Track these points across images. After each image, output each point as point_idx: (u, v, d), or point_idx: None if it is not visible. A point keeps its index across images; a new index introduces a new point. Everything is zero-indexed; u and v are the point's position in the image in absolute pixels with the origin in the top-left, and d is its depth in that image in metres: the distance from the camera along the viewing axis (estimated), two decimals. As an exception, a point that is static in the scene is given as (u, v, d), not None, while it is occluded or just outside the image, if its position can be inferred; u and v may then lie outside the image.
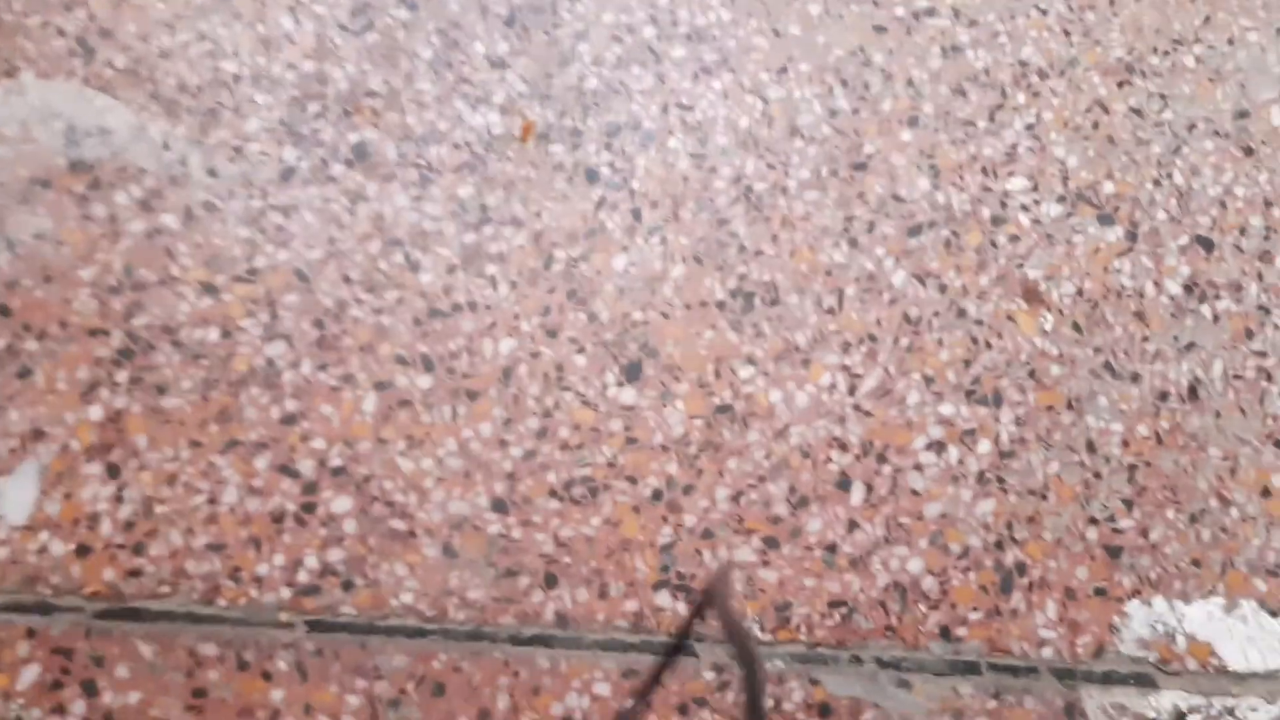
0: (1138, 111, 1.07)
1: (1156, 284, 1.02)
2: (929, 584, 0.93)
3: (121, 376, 0.95)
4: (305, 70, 1.04)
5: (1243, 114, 1.08)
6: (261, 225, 0.99)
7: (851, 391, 0.98)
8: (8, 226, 0.98)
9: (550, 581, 0.92)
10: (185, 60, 1.03)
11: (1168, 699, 0.92)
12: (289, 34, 1.05)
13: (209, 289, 0.97)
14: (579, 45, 1.06)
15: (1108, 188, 1.05)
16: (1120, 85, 1.08)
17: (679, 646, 0.60)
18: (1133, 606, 0.94)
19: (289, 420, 0.95)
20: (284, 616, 0.91)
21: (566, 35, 1.07)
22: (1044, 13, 1.10)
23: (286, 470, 0.93)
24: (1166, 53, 1.10)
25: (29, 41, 1.03)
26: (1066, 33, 1.10)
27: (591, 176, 1.02)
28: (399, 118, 1.03)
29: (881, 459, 0.96)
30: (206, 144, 1.01)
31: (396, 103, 1.03)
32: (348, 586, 0.91)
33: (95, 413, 0.94)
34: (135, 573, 0.91)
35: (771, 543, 0.94)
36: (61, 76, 1.02)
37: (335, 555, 0.92)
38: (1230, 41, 1.10)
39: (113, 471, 0.93)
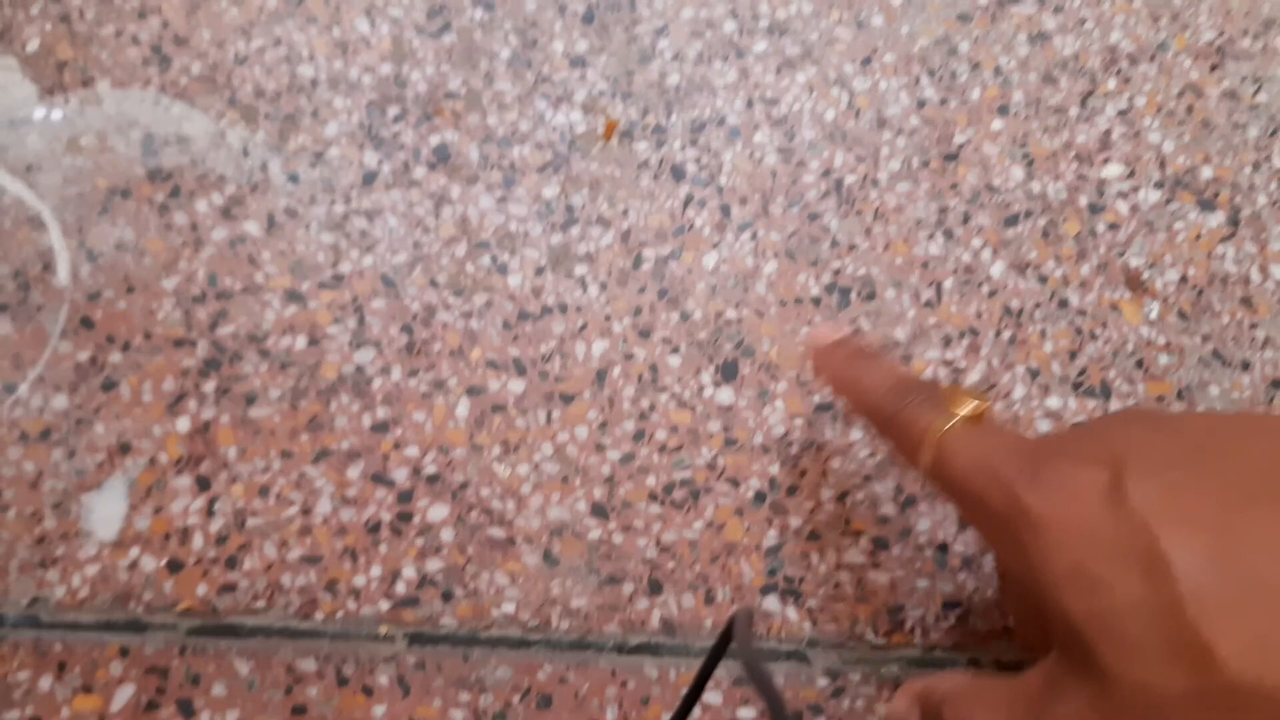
0: (1232, 95, 1.05)
1: (1262, 270, 0.99)
2: (1045, 582, 0.90)
3: (209, 387, 0.93)
4: (383, 73, 1.02)
5: (1338, 95, 1.05)
6: (345, 230, 0.97)
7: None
8: (88, 238, 0.96)
9: (654, 588, 0.89)
10: (261, 66, 1.01)
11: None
12: (365, 37, 1.03)
13: (294, 296, 0.95)
14: (659, 42, 1.04)
15: (1206, 173, 1.02)
16: (1212, 69, 1.06)
17: (698, 692, 0.60)
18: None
19: (381, 428, 0.92)
20: (383, 629, 0.88)
21: (646, 32, 1.04)
22: (1129, -2, 1.08)
23: (380, 479, 0.91)
24: (1257, 35, 1.07)
25: (103, 51, 1.01)
26: (1154, 17, 1.07)
27: (678, 174, 1.00)
28: (480, 119, 1.01)
29: (989, 455, 0.93)
30: (286, 150, 0.99)
31: (477, 104, 1.01)
32: (447, 597, 0.89)
33: (183, 424, 0.92)
34: (229, 588, 0.88)
35: (881, 543, 0.91)
36: (138, 85, 1.00)
37: (433, 565, 0.89)
38: (1321, 22, 1.08)
39: (203, 484, 0.90)
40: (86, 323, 0.94)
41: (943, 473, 0.60)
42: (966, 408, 0.61)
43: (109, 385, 0.93)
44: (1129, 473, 0.48)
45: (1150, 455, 0.49)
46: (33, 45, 1.01)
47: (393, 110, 1.01)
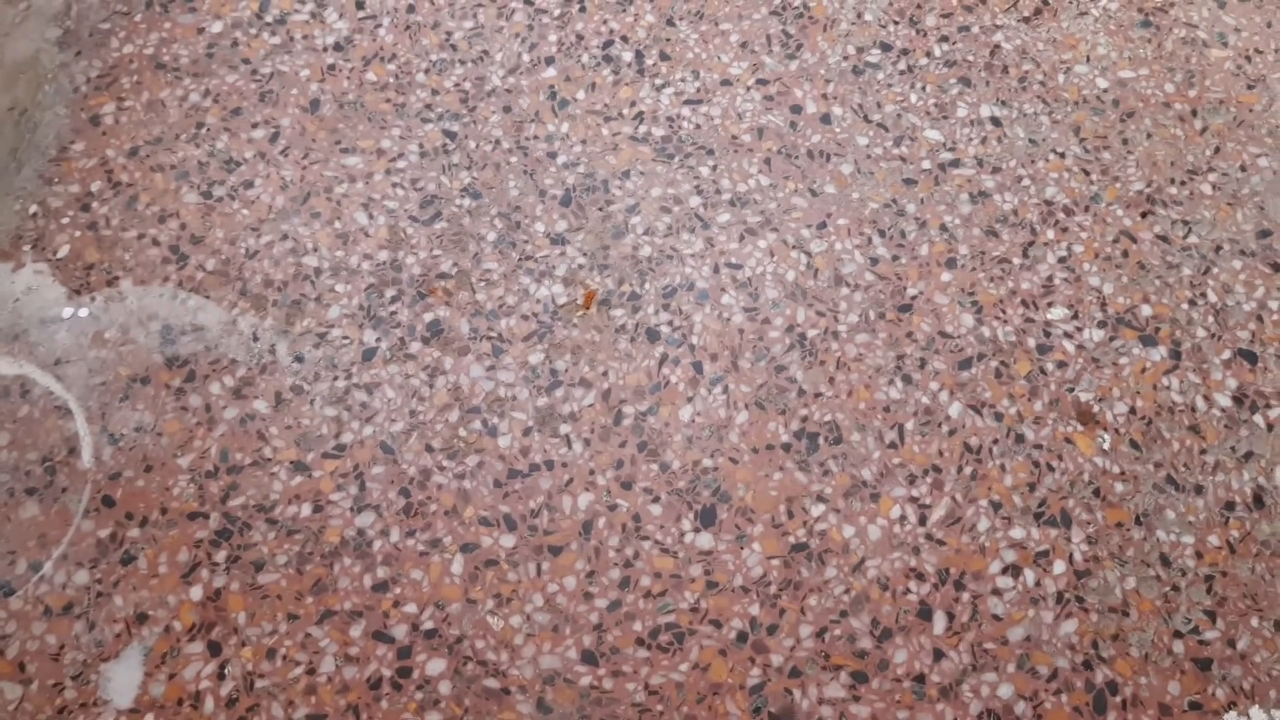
0: (1164, 238, 1.13)
1: (1206, 398, 1.05)
2: (1022, 709, 0.93)
3: (220, 556, 0.99)
4: (380, 259, 1.12)
5: (1265, 233, 1.13)
6: (347, 404, 1.05)
7: (922, 522, 1.00)
8: (110, 423, 1.04)
9: (644, 731, 0.93)
10: (270, 259, 1.12)
11: (1281, 813, 0.91)
12: (364, 228, 1.13)
13: (300, 467, 1.03)
14: (631, 218, 1.14)
15: (1146, 310, 1.09)
16: (1144, 215, 1.15)
17: None
18: (1230, 719, 0.93)
19: (381, 587, 0.98)
20: (385, 783, 0.92)
21: (619, 210, 1.15)
22: (1062, 156, 1.18)
23: (381, 636, 0.96)
24: (1183, 182, 1.16)
25: (126, 253, 1.12)
26: (1086, 172, 1.17)
27: (653, 336, 1.08)
28: (469, 296, 1.10)
29: (959, 586, 0.98)
30: (292, 333, 1.08)
31: (466, 282, 1.11)
32: (446, 749, 0.93)
33: (196, 593, 0.98)
34: (238, 748, 0.93)
35: (860, 677, 0.95)
36: (157, 282, 1.10)
37: (432, 718, 0.93)
38: (1243, 168, 1.17)
39: (214, 649, 0.96)
40: (108, 501, 1.01)
41: None
42: None
43: (128, 559, 0.99)
44: None
45: None
46: (63, 251, 1.11)
47: (390, 292, 1.10)
